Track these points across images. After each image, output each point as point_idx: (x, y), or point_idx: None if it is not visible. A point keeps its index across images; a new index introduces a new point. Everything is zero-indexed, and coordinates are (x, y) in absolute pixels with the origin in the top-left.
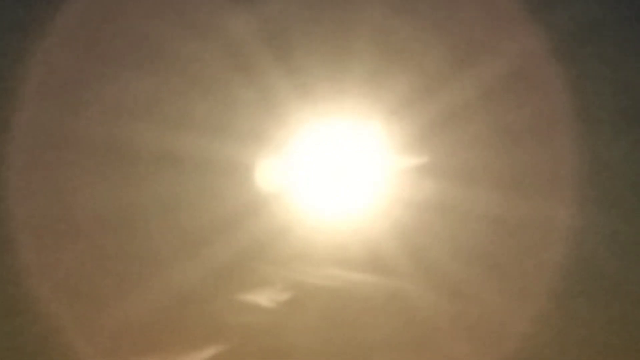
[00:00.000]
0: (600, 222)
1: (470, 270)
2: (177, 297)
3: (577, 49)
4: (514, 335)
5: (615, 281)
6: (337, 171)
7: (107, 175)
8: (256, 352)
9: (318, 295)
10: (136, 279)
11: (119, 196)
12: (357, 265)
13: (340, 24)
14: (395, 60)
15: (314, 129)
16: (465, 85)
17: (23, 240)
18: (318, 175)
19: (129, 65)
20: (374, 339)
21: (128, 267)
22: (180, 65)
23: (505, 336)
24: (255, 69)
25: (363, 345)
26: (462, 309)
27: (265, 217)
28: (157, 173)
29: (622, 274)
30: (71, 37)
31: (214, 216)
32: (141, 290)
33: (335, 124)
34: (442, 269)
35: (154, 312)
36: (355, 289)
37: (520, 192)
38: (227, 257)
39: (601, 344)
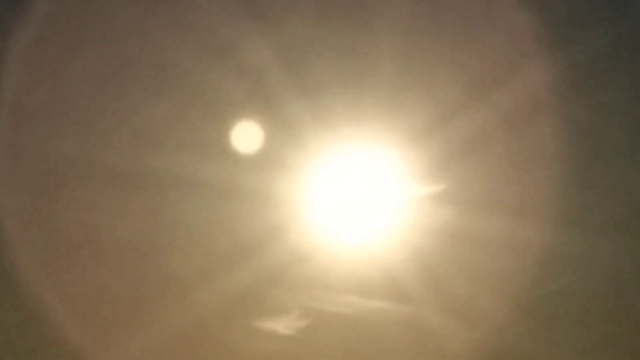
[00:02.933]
0: (618, 250)
1: (487, 298)
2: (195, 323)
3: (591, 81)
4: None
5: (635, 307)
6: (355, 198)
7: (127, 201)
8: None
9: (335, 323)
10: (154, 305)
11: (137, 222)
12: (374, 292)
13: (359, 52)
14: (414, 89)
15: (332, 156)
16: (483, 114)
17: (42, 266)
18: (336, 202)
19: (148, 91)
20: None
21: (146, 293)
22: (201, 92)
23: None
24: (275, 97)
25: None
26: (480, 336)
27: (283, 244)
28: (174, 199)
29: (629, 301)
30: (87, 62)
31: (231, 243)
32: (159, 316)
33: (353, 152)
34: (459, 296)
35: (172, 338)
36: (372, 316)
37: (537, 220)
38: (244, 283)
39: None
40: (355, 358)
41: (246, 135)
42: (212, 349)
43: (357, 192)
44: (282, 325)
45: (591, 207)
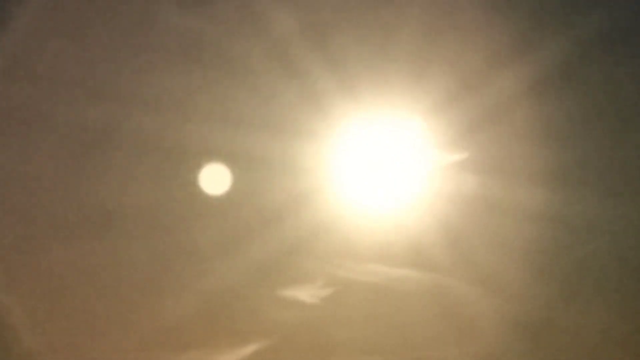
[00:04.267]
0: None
1: (512, 266)
2: (219, 292)
3: (619, 47)
4: (557, 330)
5: None
6: (380, 167)
7: (151, 170)
8: (298, 348)
9: (360, 291)
10: (178, 275)
11: (162, 192)
12: (399, 260)
13: (383, 20)
14: (438, 56)
15: (357, 124)
16: (507, 81)
17: (60, 234)
18: (360, 171)
19: (172, 60)
20: (416, 334)
21: (170, 263)
22: (222, 60)
23: (548, 330)
24: (298, 65)
25: (405, 340)
26: (504, 304)
27: (307, 212)
28: (198, 169)
29: None
30: (108, 30)
31: (255, 212)
32: (183, 286)
33: (378, 120)
34: (485, 265)
35: (196, 308)
36: (397, 284)
37: (563, 187)
38: (268, 252)
39: None
40: (380, 326)
41: (269, 105)
42: (237, 317)
43: (381, 160)
44: (306, 294)
45: (618, 175)
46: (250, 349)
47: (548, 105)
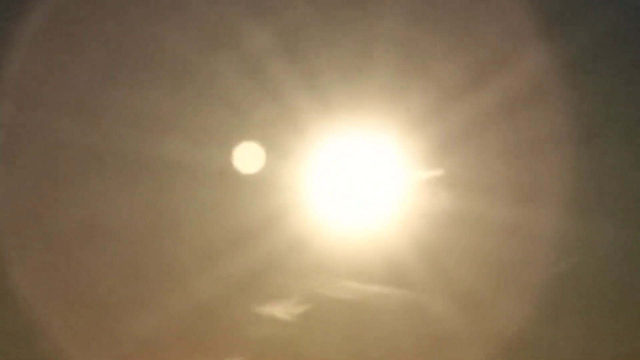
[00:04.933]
0: (614, 233)
1: (486, 281)
2: (195, 309)
3: (589, 66)
4: (533, 345)
5: (622, 289)
6: (355, 184)
7: (125, 186)
8: None
9: (335, 308)
10: (154, 291)
11: (136, 207)
12: (374, 277)
13: (359, 38)
14: (414, 75)
15: (332, 141)
16: (482, 99)
17: (44, 251)
18: (336, 187)
19: (150, 80)
20: (390, 350)
21: (146, 279)
22: (198, 78)
23: (524, 346)
24: (274, 81)
25: (381, 357)
26: (481, 320)
27: (283, 229)
28: (174, 184)
29: (628, 282)
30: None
31: (231, 228)
32: (158, 302)
33: (353, 137)
34: (460, 281)
35: (172, 324)
36: (372, 301)
37: (535, 203)
38: (244, 269)
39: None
40: (355, 343)
41: (245, 122)
42: (212, 333)
43: (357, 177)
44: (281, 311)
45: (589, 190)
46: None
47: (523, 123)
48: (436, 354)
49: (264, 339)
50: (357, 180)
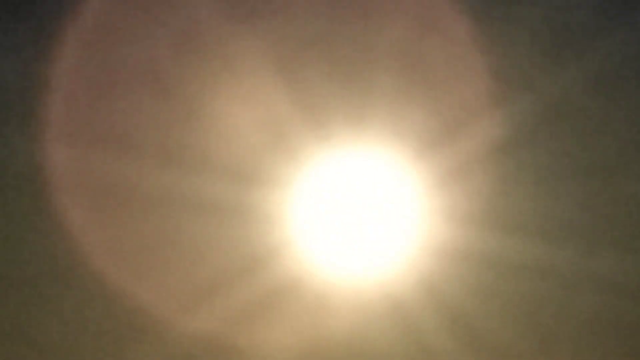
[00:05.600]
0: (621, 270)
1: (493, 318)
2: (187, 346)
3: (593, 99)
4: None
5: (626, 326)
6: (354, 217)
7: (115, 218)
8: None
9: (335, 349)
10: (144, 328)
11: (126, 240)
12: (375, 316)
13: (357, 65)
14: (415, 103)
15: (330, 172)
16: (488, 129)
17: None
18: (333, 221)
19: (143, 105)
20: None
21: (136, 315)
22: (185, 101)
23: None
24: (270, 109)
25: None
26: (486, 357)
27: (276, 267)
28: (163, 217)
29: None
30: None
31: (218, 267)
32: (151, 338)
33: (353, 168)
34: (465, 318)
35: None
36: (374, 341)
37: (542, 238)
38: (237, 307)
39: None
40: None
41: (239, 152)
42: None
43: (355, 209)
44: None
45: (602, 226)
46: None
47: (529, 155)
48: None
49: None
50: (355, 212)
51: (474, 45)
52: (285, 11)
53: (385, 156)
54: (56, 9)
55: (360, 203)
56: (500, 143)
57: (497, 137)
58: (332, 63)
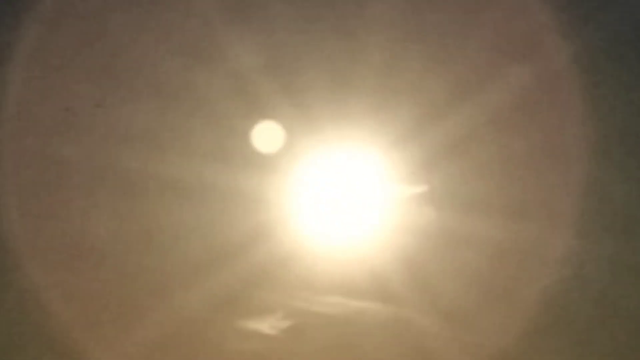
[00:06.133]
0: (599, 249)
1: (472, 297)
2: (180, 322)
3: (578, 80)
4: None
5: (612, 306)
6: (340, 199)
7: (111, 203)
8: None
9: (320, 323)
10: (139, 306)
11: (121, 224)
12: (359, 292)
13: (344, 55)
14: (398, 91)
15: (318, 157)
16: (468, 115)
17: (29, 268)
18: (320, 202)
19: (132, 93)
20: None
21: (131, 294)
22: (185, 95)
23: None
24: (259, 99)
25: None
26: (466, 336)
27: (268, 245)
28: (160, 201)
29: (619, 299)
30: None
31: (216, 244)
32: (144, 317)
33: (339, 153)
34: (445, 296)
35: (158, 338)
36: (357, 316)
37: (521, 219)
38: (229, 284)
39: None
40: (340, 358)
41: (231, 138)
42: (198, 348)
43: (341, 193)
44: (266, 326)
45: (574, 207)
46: None
47: (507, 139)
48: None
49: (250, 353)
50: (342, 195)
51: (450, 40)
52: (279, 15)
53: (367, 144)
54: None
55: (345, 187)
56: (476, 131)
57: (473, 125)
58: (321, 62)
